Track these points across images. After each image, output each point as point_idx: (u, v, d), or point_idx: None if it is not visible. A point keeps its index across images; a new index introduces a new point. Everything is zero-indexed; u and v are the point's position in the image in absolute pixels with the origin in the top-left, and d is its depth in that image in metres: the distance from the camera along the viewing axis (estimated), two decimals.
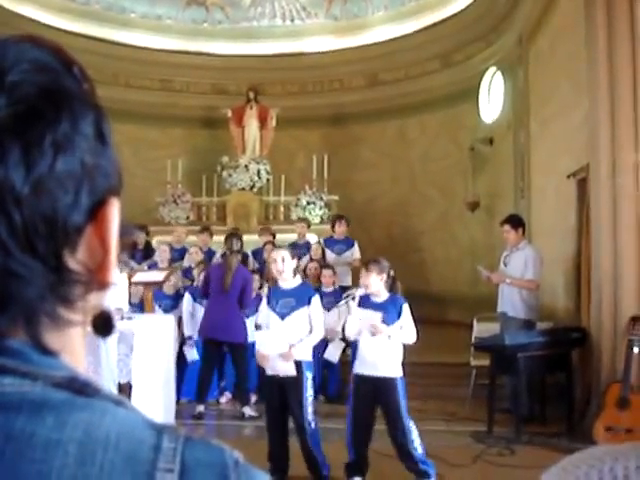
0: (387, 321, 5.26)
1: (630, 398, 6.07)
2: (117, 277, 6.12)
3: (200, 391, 7.79)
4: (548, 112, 9.67)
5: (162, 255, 9.18)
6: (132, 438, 0.58)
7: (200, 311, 8.17)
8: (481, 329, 8.30)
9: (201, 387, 7.81)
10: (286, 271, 5.54)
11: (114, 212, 0.66)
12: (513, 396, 7.08)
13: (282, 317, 5.45)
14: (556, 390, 7.32)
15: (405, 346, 5.44)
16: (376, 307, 5.34)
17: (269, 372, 5.40)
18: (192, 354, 8.17)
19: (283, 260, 5.51)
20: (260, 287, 8.52)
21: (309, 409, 5.39)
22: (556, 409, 7.15)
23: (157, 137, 15.15)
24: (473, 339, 8.20)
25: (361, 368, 5.37)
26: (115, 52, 14.52)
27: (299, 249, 9.13)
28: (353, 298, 5.36)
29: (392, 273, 5.45)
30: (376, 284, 5.33)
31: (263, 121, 14.16)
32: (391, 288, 5.44)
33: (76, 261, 0.62)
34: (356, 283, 7.61)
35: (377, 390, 5.26)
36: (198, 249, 9.44)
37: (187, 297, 8.35)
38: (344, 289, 8.00)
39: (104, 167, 0.66)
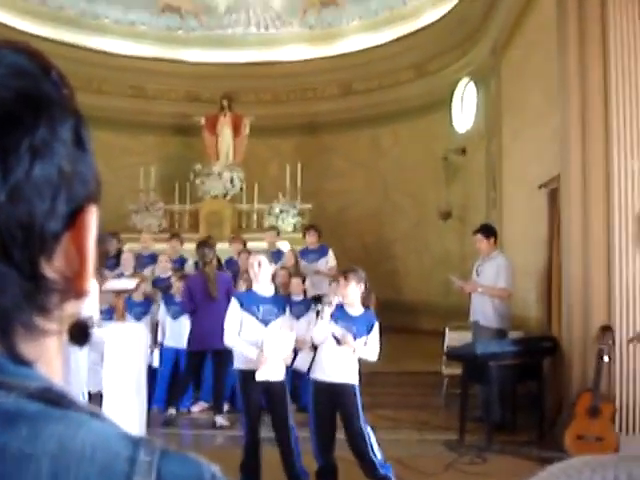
0: (355, 334, 5.28)
1: (600, 407, 6.13)
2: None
3: (174, 396, 7.78)
4: (520, 123, 9.77)
5: (126, 263, 9.09)
6: (107, 450, 0.57)
7: (168, 320, 8.20)
8: (453, 338, 8.34)
9: (177, 393, 7.80)
10: (262, 276, 5.55)
11: (92, 220, 0.65)
12: (485, 405, 7.11)
13: (266, 324, 5.44)
14: (527, 399, 7.37)
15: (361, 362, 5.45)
16: (349, 320, 5.34)
17: (259, 378, 5.35)
18: (155, 359, 8.15)
19: (259, 265, 5.51)
20: None
21: (292, 416, 5.43)
22: (527, 418, 7.20)
23: (130, 144, 15.04)
24: (445, 348, 8.24)
25: (318, 373, 5.37)
26: (88, 58, 14.39)
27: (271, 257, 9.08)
28: (329, 304, 5.35)
29: (367, 284, 5.47)
30: (354, 294, 5.34)
31: (237, 129, 14.12)
32: (364, 300, 5.45)
33: (53, 269, 0.61)
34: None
35: (334, 396, 5.26)
36: (167, 257, 9.35)
37: (162, 306, 8.36)
38: (319, 298, 8.00)
39: (82, 174, 0.65)
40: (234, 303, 5.59)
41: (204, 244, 8.15)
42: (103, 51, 14.74)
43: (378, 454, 5.27)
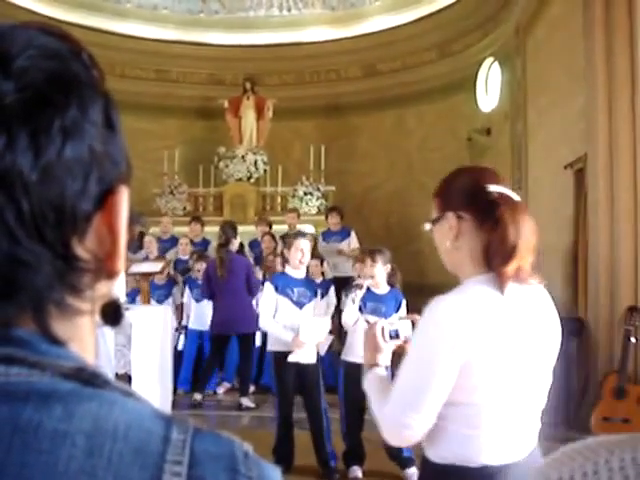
0: (385, 314, 5.28)
1: (627, 388, 6.09)
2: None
3: (202, 381, 7.83)
4: (545, 102, 9.66)
5: (150, 247, 9.17)
6: (141, 429, 0.57)
7: (192, 303, 8.25)
8: None
9: (203, 377, 7.85)
10: (305, 263, 5.58)
11: (123, 200, 0.66)
12: None
13: (300, 306, 5.46)
14: (553, 380, 7.34)
15: None
16: (377, 299, 5.36)
17: (292, 359, 5.36)
18: (179, 342, 8.22)
19: (308, 251, 5.55)
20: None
21: (324, 399, 5.47)
22: (553, 399, 7.16)
23: (153, 128, 15.07)
24: None
25: (350, 356, 5.38)
26: (111, 42, 14.42)
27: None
28: (361, 287, 5.35)
29: (392, 264, 5.48)
30: (380, 274, 5.36)
31: (260, 112, 14.11)
32: (390, 278, 5.46)
33: (85, 249, 0.62)
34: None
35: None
36: (188, 240, 9.40)
37: (186, 289, 8.41)
38: (345, 280, 7.99)
39: (113, 155, 0.65)
40: (268, 286, 5.60)
41: (222, 226, 8.18)
42: (126, 35, 14.76)
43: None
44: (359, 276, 5.72)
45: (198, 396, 7.77)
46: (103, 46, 14.16)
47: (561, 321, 6.34)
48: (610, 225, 6.66)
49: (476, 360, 1.81)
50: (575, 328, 7.13)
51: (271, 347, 5.64)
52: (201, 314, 8.31)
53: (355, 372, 5.32)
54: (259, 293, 7.83)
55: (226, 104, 14.09)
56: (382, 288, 5.40)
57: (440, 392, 1.81)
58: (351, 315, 5.37)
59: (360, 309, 5.37)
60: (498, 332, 1.83)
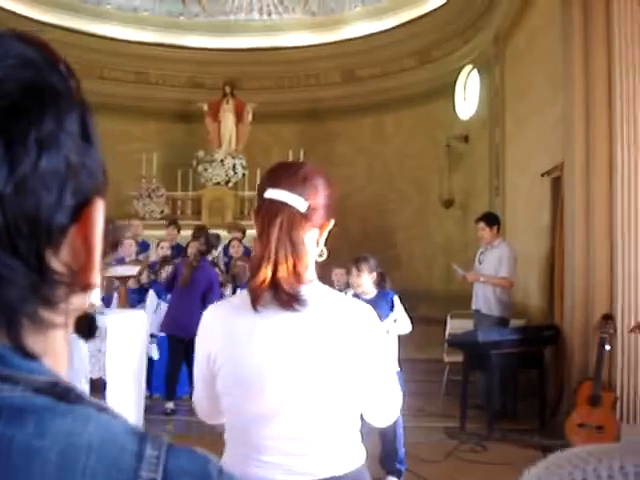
0: (380, 317, 5.26)
1: (601, 395, 6.13)
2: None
3: (168, 388, 7.75)
4: (523, 110, 9.73)
5: (128, 249, 9.09)
6: (114, 445, 0.57)
7: (164, 308, 8.16)
8: (455, 326, 8.34)
9: (169, 384, 7.76)
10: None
11: (99, 213, 0.65)
12: (486, 393, 7.12)
13: None
14: (529, 387, 7.38)
15: (400, 340, 5.47)
16: (368, 304, 5.34)
17: None
18: (154, 351, 8.11)
19: None
20: (222, 285, 8.40)
21: None
22: (528, 406, 7.21)
23: (132, 130, 15.02)
24: (447, 335, 8.24)
25: None
26: (90, 44, 14.38)
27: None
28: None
29: (379, 270, 5.47)
30: (367, 284, 5.33)
31: (239, 116, 14.12)
32: (379, 284, 5.45)
33: (59, 262, 0.61)
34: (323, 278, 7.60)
35: None
36: (168, 244, 9.35)
37: (151, 294, 8.28)
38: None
39: (89, 166, 0.64)
40: None
41: (208, 234, 8.13)
42: (106, 37, 14.71)
43: (402, 449, 5.31)
44: (348, 286, 5.68)
45: (170, 404, 7.70)
46: (83, 47, 14.14)
47: (538, 328, 6.31)
48: (586, 233, 6.70)
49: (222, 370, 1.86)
50: (550, 335, 7.17)
51: None
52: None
53: None
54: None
55: (205, 107, 14.09)
56: (370, 293, 5.39)
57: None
58: None
59: None
60: (240, 340, 1.83)
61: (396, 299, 5.43)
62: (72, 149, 0.62)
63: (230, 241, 9.66)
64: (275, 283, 1.77)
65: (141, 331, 5.96)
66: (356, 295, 5.33)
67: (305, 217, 1.83)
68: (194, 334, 6.06)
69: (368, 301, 5.35)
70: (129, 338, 5.60)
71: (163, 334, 8.17)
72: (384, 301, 5.37)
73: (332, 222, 1.96)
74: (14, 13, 13.36)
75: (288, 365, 1.78)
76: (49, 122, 0.60)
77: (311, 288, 1.83)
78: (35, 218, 0.58)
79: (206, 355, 1.89)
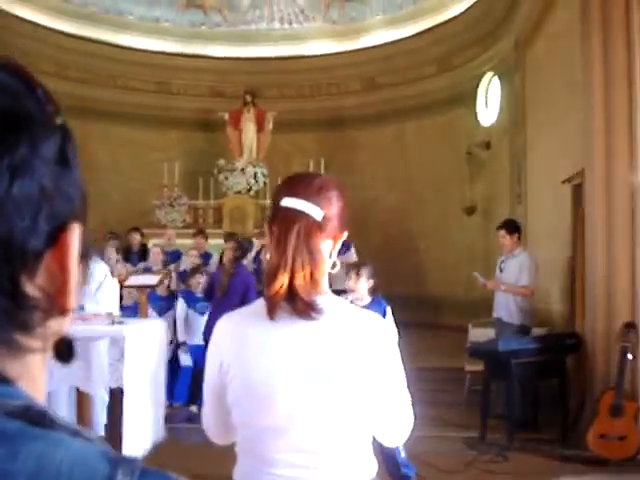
0: None
1: (623, 405, 6.05)
2: (110, 282, 6.05)
3: (195, 392, 7.79)
4: (544, 117, 9.67)
5: (155, 258, 9.16)
6: (85, 470, 0.56)
7: (193, 316, 8.19)
8: (476, 334, 8.29)
9: (196, 388, 7.81)
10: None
11: (75, 237, 0.65)
12: (506, 402, 7.06)
13: None
14: (550, 396, 7.31)
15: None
16: None
17: None
18: (185, 359, 8.14)
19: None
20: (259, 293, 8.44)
21: None
22: (550, 415, 7.13)
23: (154, 140, 15.12)
24: (468, 344, 8.19)
25: None
26: (112, 54, 14.51)
27: None
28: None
29: (374, 278, 5.52)
30: (363, 288, 5.42)
31: (260, 124, 14.16)
32: (374, 292, 5.51)
33: (34, 287, 0.61)
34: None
35: None
36: (197, 252, 9.39)
37: (180, 302, 8.31)
38: (340, 292, 7.96)
39: (65, 191, 0.64)
40: None
41: (239, 239, 8.18)
42: (127, 47, 14.83)
43: (402, 452, 5.26)
44: (345, 291, 5.70)
45: (194, 408, 7.74)
46: (105, 58, 14.29)
47: (558, 337, 6.24)
48: (607, 240, 6.63)
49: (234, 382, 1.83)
50: (572, 344, 7.10)
51: None
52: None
53: None
54: None
55: (226, 116, 14.14)
56: (365, 300, 5.44)
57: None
58: None
59: None
60: (253, 350, 1.80)
61: (388, 309, 5.49)
62: (47, 175, 0.62)
63: (261, 248, 9.67)
64: (292, 291, 1.75)
65: (160, 340, 5.98)
66: (351, 301, 5.34)
67: (320, 226, 1.82)
68: None
69: (362, 307, 5.36)
70: (148, 347, 5.62)
71: (197, 342, 8.23)
72: (377, 309, 5.39)
73: (345, 234, 1.94)
74: (37, 24, 13.52)
75: (302, 376, 1.76)
76: (23, 149, 0.60)
77: (326, 299, 1.81)
78: (8, 243, 0.58)
79: (218, 365, 1.86)
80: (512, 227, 7.76)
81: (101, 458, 0.58)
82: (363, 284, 5.41)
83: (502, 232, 7.66)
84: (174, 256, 9.88)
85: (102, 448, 0.59)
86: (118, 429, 5.23)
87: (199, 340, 8.29)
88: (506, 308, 7.55)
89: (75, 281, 0.65)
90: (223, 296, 7.61)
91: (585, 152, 7.03)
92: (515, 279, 7.47)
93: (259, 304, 1.83)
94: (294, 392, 1.76)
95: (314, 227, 1.80)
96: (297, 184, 1.88)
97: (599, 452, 6.01)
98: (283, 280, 1.74)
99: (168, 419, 6.80)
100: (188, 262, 9.35)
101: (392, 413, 1.93)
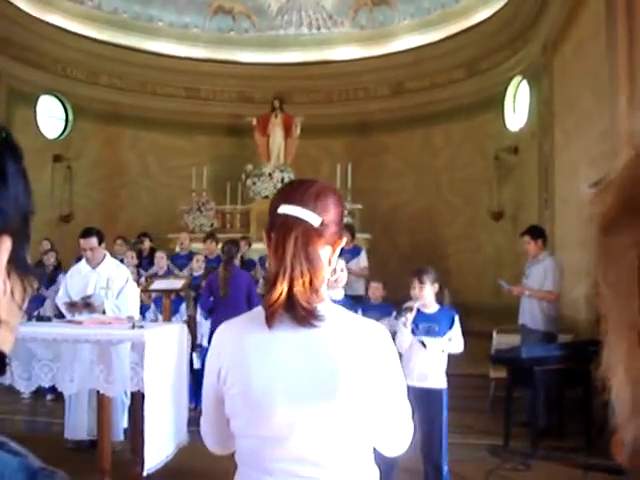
0: (439, 332, 5.19)
1: None
2: (132, 286, 6.08)
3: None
4: (572, 121, 9.57)
5: (160, 263, 9.20)
6: None
7: (201, 319, 8.28)
8: (501, 341, 8.22)
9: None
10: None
11: (3, 250, 0.65)
12: (530, 410, 6.99)
13: None
14: (575, 404, 7.21)
15: (449, 357, 5.39)
16: (429, 320, 5.25)
17: None
18: (195, 361, 8.20)
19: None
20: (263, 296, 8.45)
21: None
22: (575, 424, 7.04)
23: (183, 145, 15.24)
24: (492, 351, 8.12)
25: (407, 379, 5.25)
26: (142, 60, 14.66)
27: None
28: (411, 310, 5.22)
29: (440, 282, 5.37)
30: (430, 295, 5.23)
31: (288, 129, 14.18)
32: (437, 297, 5.36)
33: None
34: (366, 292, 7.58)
35: (422, 401, 4.97)
36: (203, 257, 9.40)
37: (198, 308, 8.41)
38: (355, 298, 7.92)
39: None
40: None
41: (227, 242, 8.17)
42: (157, 53, 14.97)
43: (446, 467, 5.18)
44: (410, 298, 5.54)
45: None
46: (135, 64, 14.43)
47: (583, 344, 6.11)
48: None
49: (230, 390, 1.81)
50: (596, 351, 6.99)
51: None
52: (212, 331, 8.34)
53: (412, 395, 5.20)
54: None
55: (254, 122, 14.17)
56: (432, 307, 5.28)
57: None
58: (404, 338, 5.22)
59: (413, 331, 5.25)
60: (251, 359, 1.77)
61: (456, 318, 5.30)
62: None
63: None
64: (291, 299, 1.72)
65: (181, 344, 6.00)
66: (418, 308, 5.22)
67: (319, 233, 1.79)
68: None
69: (430, 315, 5.26)
70: (168, 351, 5.65)
71: (206, 345, 8.27)
72: (445, 318, 5.27)
73: (344, 240, 1.91)
74: (68, 31, 13.70)
75: (302, 384, 1.73)
76: None
77: (326, 306, 1.79)
78: None
79: (216, 374, 1.83)
80: (536, 233, 7.68)
81: (20, 470, 0.58)
82: (429, 290, 5.19)
83: (526, 238, 7.60)
84: (187, 259, 9.91)
85: (25, 460, 0.60)
86: (140, 433, 5.25)
87: (206, 342, 8.35)
88: (530, 314, 7.48)
89: (5, 293, 0.65)
90: (226, 297, 7.62)
91: (611, 158, 6.95)
92: (540, 284, 7.40)
93: (258, 311, 1.81)
94: (294, 401, 1.73)
95: (312, 234, 1.78)
96: (294, 191, 1.85)
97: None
98: (282, 288, 1.72)
99: (192, 422, 6.83)
100: (195, 267, 9.37)
101: (391, 422, 1.90)
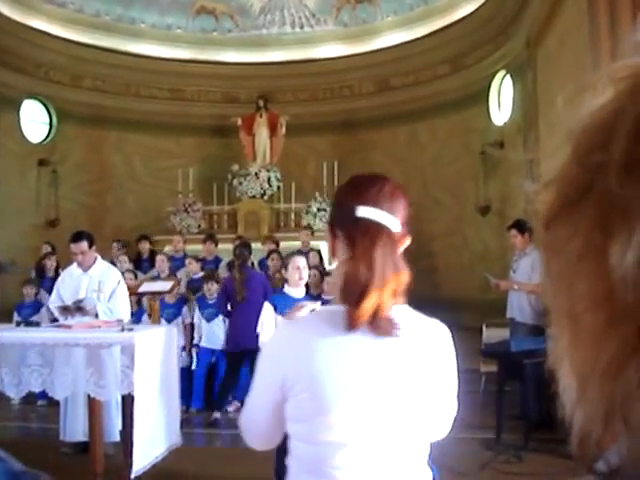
0: None
1: None
2: (123, 289, 6.05)
3: (220, 399, 7.84)
4: (556, 115, 9.60)
5: (161, 266, 9.19)
6: None
7: (200, 321, 8.28)
8: (490, 335, 8.24)
9: (222, 395, 7.86)
10: (304, 279, 5.55)
11: None
12: (522, 403, 7.01)
13: None
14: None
15: None
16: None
17: None
18: (193, 363, 8.20)
19: (305, 268, 5.51)
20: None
21: None
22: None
23: (168, 146, 15.20)
24: (482, 345, 8.14)
25: None
26: (125, 62, 14.60)
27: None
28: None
29: None
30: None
31: (273, 129, 14.18)
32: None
33: None
34: None
35: None
36: (192, 259, 9.39)
37: (196, 310, 8.44)
38: None
39: None
40: (268, 307, 5.59)
41: (239, 245, 8.17)
42: (140, 55, 14.92)
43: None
44: None
45: (217, 414, 7.77)
46: (118, 66, 14.38)
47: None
48: None
49: (296, 391, 1.73)
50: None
51: None
52: (212, 333, 8.33)
53: None
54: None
55: (239, 122, 14.15)
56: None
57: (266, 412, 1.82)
58: None
59: None
60: (327, 365, 1.70)
61: None
62: None
63: (269, 254, 9.66)
64: (378, 307, 1.68)
65: (171, 346, 5.99)
66: None
67: (397, 237, 1.77)
68: (257, 344, 5.84)
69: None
70: (158, 354, 5.63)
71: (204, 345, 8.28)
72: None
73: (409, 239, 1.85)
74: (50, 34, 13.63)
75: (376, 390, 1.70)
76: None
77: (400, 310, 1.75)
78: None
79: (280, 378, 1.74)
80: (523, 226, 7.70)
81: (1, 474, 0.58)
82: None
83: (513, 232, 7.62)
84: (182, 262, 9.90)
85: (7, 466, 0.59)
86: (130, 435, 5.24)
87: (210, 344, 8.36)
88: (519, 308, 7.50)
89: None
90: (243, 301, 7.63)
91: None
92: (528, 278, 7.42)
93: (330, 312, 1.75)
94: (367, 407, 1.70)
95: (394, 239, 1.75)
96: (368, 190, 1.81)
97: None
98: (374, 298, 1.67)
99: (185, 424, 6.81)
100: (189, 270, 9.34)
101: (446, 414, 1.91)
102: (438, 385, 1.78)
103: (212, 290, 8.27)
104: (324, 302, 7.19)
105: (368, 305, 1.66)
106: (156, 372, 5.55)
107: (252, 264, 8.89)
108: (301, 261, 5.57)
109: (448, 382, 1.83)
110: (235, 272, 7.84)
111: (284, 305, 5.50)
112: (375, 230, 1.73)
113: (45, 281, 9.48)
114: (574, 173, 0.50)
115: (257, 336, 7.56)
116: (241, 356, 7.88)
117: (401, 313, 1.74)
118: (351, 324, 1.67)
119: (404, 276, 1.74)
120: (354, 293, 1.68)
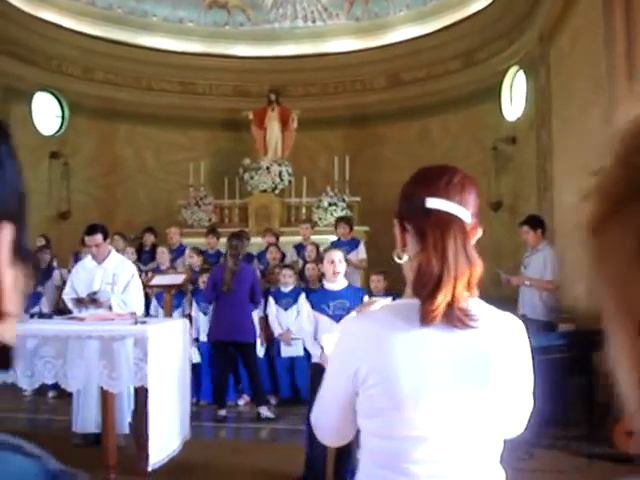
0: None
1: None
2: (137, 282, 6.07)
3: (218, 395, 7.83)
4: (570, 110, 9.56)
5: (162, 258, 9.22)
6: None
7: (197, 314, 8.29)
8: None
9: (218, 391, 7.84)
10: (341, 272, 5.51)
11: (5, 238, 0.63)
12: (533, 399, 6.98)
13: (337, 319, 5.14)
14: (578, 393, 7.23)
15: None
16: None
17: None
18: (194, 355, 8.22)
19: (340, 261, 5.48)
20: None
21: None
22: (578, 412, 7.05)
23: (179, 140, 15.20)
24: None
25: None
26: (137, 55, 14.61)
27: (304, 250, 9.37)
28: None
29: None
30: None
31: (284, 123, 14.14)
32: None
33: None
34: (364, 284, 7.56)
35: None
36: (194, 252, 9.40)
37: (194, 303, 8.43)
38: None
39: None
40: (305, 303, 5.63)
41: (234, 236, 8.15)
42: (152, 48, 14.91)
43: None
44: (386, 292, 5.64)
45: (222, 412, 7.78)
46: (129, 59, 14.39)
47: (585, 333, 6.14)
48: None
49: (369, 385, 1.72)
50: (599, 340, 7.01)
51: (313, 359, 5.50)
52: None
53: None
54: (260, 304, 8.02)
55: (251, 116, 14.13)
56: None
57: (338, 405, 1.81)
58: None
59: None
60: (403, 358, 1.68)
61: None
62: None
63: (267, 247, 9.67)
64: (452, 299, 1.67)
65: (183, 339, 6.01)
66: None
67: (468, 228, 1.76)
68: (244, 338, 5.97)
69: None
70: (171, 347, 5.65)
71: (204, 340, 8.28)
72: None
73: (481, 231, 1.83)
74: (62, 27, 13.65)
75: (452, 384, 1.69)
76: None
77: (474, 302, 1.73)
78: None
79: (352, 373, 1.72)
80: (535, 222, 7.69)
81: (39, 475, 0.57)
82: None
83: (525, 228, 7.61)
84: (178, 253, 9.94)
85: (44, 464, 0.59)
86: (144, 428, 5.26)
87: (204, 338, 8.37)
88: (531, 304, 7.49)
89: (9, 283, 0.63)
90: (228, 292, 7.63)
91: (610, 147, 6.94)
92: (539, 274, 7.41)
93: (403, 305, 1.74)
94: (442, 402, 1.68)
95: (466, 231, 1.74)
96: (437, 181, 1.80)
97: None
98: (447, 290, 1.66)
99: (195, 417, 6.84)
100: (187, 262, 9.37)
101: (523, 410, 1.91)
102: (515, 379, 1.76)
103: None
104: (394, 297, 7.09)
105: (442, 298, 1.65)
106: (169, 365, 5.57)
107: (251, 257, 8.91)
108: (336, 255, 5.53)
109: (524, 376, 1.81)
110: (229, 261, 7.82)
111: (319, 301, 5.47)
112: (446, 221, 1.72)
113: (38, 273, 9.50)
114: (621, 175, 0.51)
115: (248, 330, 7.64)
116: (225, 346, 7.84)
117: (475, 306, 1.72)
118: (426, 318, 1.66)
119: (478, 268, 1.72)
120: (427, 286, 1.67)
